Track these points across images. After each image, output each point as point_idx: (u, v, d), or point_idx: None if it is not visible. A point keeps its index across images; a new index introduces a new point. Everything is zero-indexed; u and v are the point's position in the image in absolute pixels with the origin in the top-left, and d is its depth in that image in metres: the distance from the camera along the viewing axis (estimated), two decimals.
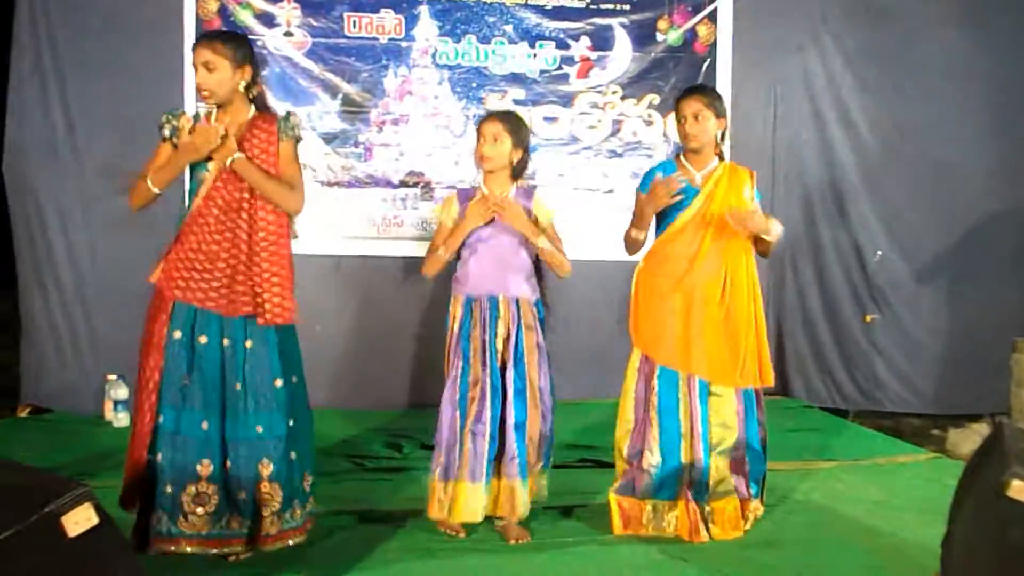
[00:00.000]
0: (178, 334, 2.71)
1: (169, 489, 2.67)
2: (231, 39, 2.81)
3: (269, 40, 4.84)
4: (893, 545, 3.06)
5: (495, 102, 5.02)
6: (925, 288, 5.25)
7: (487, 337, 3.03)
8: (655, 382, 3.10)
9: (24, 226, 4.70)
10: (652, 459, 3.09)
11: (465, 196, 3.18)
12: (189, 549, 2.69)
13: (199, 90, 2.77)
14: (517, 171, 3.14)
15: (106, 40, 4.71)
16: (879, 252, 5.22)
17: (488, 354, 3.03)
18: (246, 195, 2.76)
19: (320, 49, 4.90)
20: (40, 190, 4.70)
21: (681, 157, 3.22)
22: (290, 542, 2.80)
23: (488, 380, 3.01)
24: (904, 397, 5.25)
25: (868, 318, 5.24)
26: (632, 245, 3.24)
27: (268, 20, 4.86)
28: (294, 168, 2.84)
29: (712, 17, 5.19)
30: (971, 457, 2.34)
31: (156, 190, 2.75)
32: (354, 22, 4.92)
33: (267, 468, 2.73)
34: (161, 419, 2.68)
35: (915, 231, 5.24)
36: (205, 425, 2.70)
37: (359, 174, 4.97)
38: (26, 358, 4.79)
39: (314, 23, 4.88)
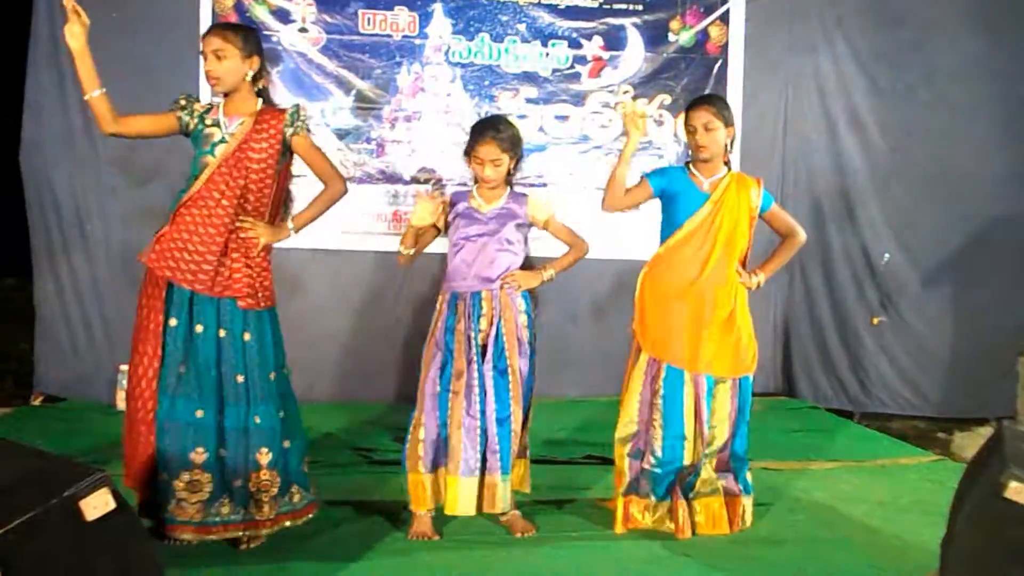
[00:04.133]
0: (174, 322, 2.75)
1: (164, 476, 2.73)
2: (241, 29, 2.92)
3: (284, 36, 4.89)
4: (894, 545, 3.09)
5: (507, 100, 5.05)
6: (933, 291, 5.25)
7: (471, 332, 3.06)
8: (660, 384, 3.14)
9: (40, 217, 4.77)
10: (653, 460, 3.13)
11: (458, 198, 3.21)
12: (186, 536, 2.74)
13: (208, 77, 2.85)
14: (511, 178, 3.18)
15: (122, 35, 4.74)
16: (887, 255, 5.23)
17: (473, 349, 3.05)
18: (251, 184, 2.83)
19: (334, 45, 4.94)
20: (56, 182, 4.75)
21: (691, 166, 3.25)
22: (287, 524, 2.87)
23: (472, 376, 3.03)
24: (910, 400, 5.26)
25: (875, 320, 5.25)
26: (611, 187, 3.14)
27: (283, 16, 4.90)
28: (320, 156, 3.00)
29: (724, 18, 5.21)
30: (972, 459, 2.37)
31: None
32: (368, 19, 4.96)
33: (266, 456, 2.80)
34: (157, 407, 2.73)
35: (924, 234, 5.24)
36: (200, 413, 2.75)
37: (371, 170, 5.01)
38: (40, 347, 4.85)
39: (329, 19, 4.92)
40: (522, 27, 5.09)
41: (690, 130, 3.17)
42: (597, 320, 5.09)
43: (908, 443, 4.61)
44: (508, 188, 3.19)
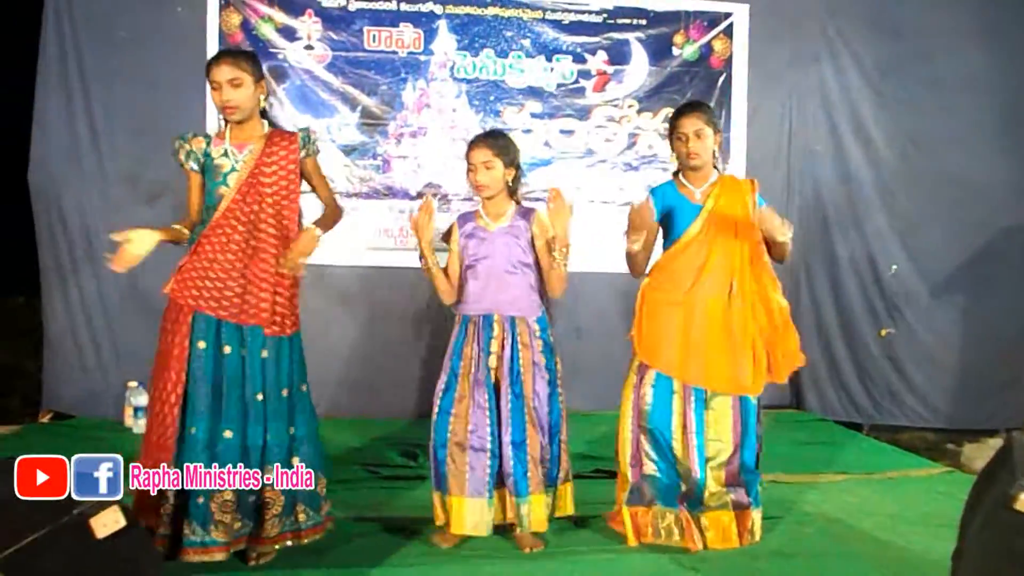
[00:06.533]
0: (203, 344, 2.75)
1: (201, 499, 2.71)
2: (250, 56, 2.91)
3: (290, 53, 4.92)
4: (904, 558, 3.07)
5: (512, 115, 5.07)
6: (940, 302, 5.24)
7: (480, 355, 3.05)
8: (645, 390, 3.14)
9: (48, 234, 4.79)
10: (648, 467, 3.14)
11: (464, 220, 3.19)
12: (219, 557, 2.74)
13: (225, 107, 2.80)
14: (513, 189, 3.15)
15: (130, 52, 4.80)
16: (894, 266, 5.23)
17: (481, 371, 3.04)
18: (267, 209, 2.83)
19: (340, 62, 4.97)
20: (64, 199, 4.78)
21: (680, 176, 3.22)
22: (288, 543, 2.87)
23: (482, 398, 3.02)
24: (919, 411, 5.24)
25: (883, 332, 5.24)
26: (631, 260, 3.21)
27: (290, 34, 4.94)
28: (325, 180, 3.07)
29: (728, 32, 5.23)
30: (982, 471, 2.36)
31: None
32: (374, 36, 4.99)
33: (271, 474, 2.79)
34: (193, 430, 2.71)
35: (930, 245, 5.24)
36: (228, 434, 2.75)
37: (377, 186, 5.03)
38: (48, 365, 4.86)
39: (335, 37, 4.96)
40: (526, 42, 5.11)
41: (680, 138, 3.13)
42: (604, 333, 5.08)
43: (917, 455, 4.59)
44: (514, 204, 3.17)
